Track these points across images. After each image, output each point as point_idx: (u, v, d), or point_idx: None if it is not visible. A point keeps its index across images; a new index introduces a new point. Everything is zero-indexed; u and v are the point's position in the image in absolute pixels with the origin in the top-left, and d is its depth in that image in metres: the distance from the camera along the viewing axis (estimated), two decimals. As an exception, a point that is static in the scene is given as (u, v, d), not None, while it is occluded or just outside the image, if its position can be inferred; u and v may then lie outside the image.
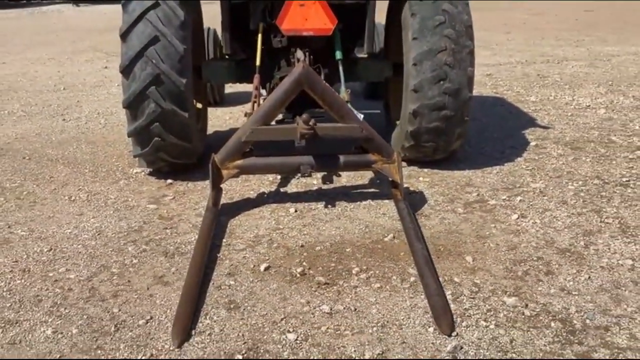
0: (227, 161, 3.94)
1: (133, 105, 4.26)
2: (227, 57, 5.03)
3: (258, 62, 4.54)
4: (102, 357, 2.60)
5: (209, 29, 6.58)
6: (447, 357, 2.56)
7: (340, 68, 4.61)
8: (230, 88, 7.71)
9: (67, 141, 5.84)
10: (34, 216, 4.10)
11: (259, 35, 4.62)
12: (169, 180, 4.66)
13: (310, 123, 3.81)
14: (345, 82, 4.62)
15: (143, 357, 2.60)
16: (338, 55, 4.64)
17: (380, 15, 4.79)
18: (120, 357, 2.60)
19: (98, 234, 3.79)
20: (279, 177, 4.70)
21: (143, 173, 4.84)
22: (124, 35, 4.24)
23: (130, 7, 4.26)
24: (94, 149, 5.56)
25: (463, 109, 4.47)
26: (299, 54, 4.43)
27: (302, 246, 3.59)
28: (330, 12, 4.43)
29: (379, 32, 6.06)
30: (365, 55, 5.01)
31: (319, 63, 4.55)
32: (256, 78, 4.47)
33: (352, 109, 4.08)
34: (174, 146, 4.42)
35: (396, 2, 4.90)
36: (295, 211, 4.08)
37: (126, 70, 4.23)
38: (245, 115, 4.49)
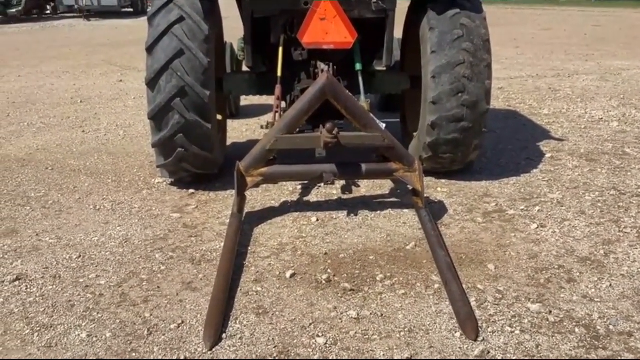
0: (252, 169, 4.02)
1: (158, 116, 4.35)
2: (250, 69, 5.12)
3: (279, 74, 4.64)
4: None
5: (225, 43, 6.69)
6: (475, 361, 2.62)
7: (360, 79, 4.70)
8: (245, 101, 7.81)
9: (88, 152, 5.94)
10: (61, 224, 4.18)
11: (280, 49, 4.72)
12: (191, 190, 4.74)
13: (334, 132, 3.89)
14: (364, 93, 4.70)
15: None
16: (358, 66, 4.73)
17: (396, 29, 4.88)
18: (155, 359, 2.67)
19: (125, 242, 3.87)
20: (299, 186, 4.78)
21: (165, 183, 4.92)
22: (150, 49, 4.34)
23: (156, 21, 4.37)
24: (115, 160, 5.65)
25: (480, 121, 4.54)
26: (322, 65, 4.52)
27: (325, 254, 3.66)
28: (350, 26, 4.51)
29: (395, 45, 6.15)
30: (384, 68, 5.10)
31: (339, 75, 4.63)
32: (278, 89, 4.57)
33: (374, 118, 4.16)
34: (196, 157, 4.51)
35: (414, 16, 4.99)
36: (317, 220, 4.15)
37: (152, 83, 4.32)
38: (262, 127, 4.58)
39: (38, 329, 2.91)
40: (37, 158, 5.78)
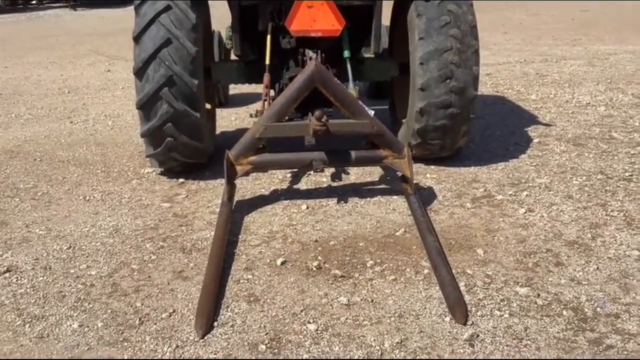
0: (241, 157, 4.03)
1: (146, 106, 4.34)
2: (238, 58, 5.11)
3: (267, 62, 4.63)
4: (129, 349, 2.68)
5: (213, 31, 6.66)
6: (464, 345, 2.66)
7: (348, 66, 4.70)
8: (234, 89, 7.79)
9: (77, 143, 5.91)
10: (51, 216, 4.17)
11: (268, 37, 4.71)
12: (181, 180, 4.74)
13: (323, 120, 3.90)
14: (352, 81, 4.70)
15: (169, 349, 2.67)
16: (346, 53, 4.72)
17: (384, 16, 4.87)
18: (147, 349, 2.68)
19: (115, 232, 3.87)
20: (289, 174, 4.79)
21: (154, 173, 4.92)
22: (137, 38, 4.31)
23: (143, 10, 4.34)
24: (104, 150, 5.63)
25: (469, 107, 4.56)
26: (311, 53, 4.52)
27: (316, 241, 3.68)
28: (338, 13, 4.50)
29: (383, 32, 6.14)
30: (372, 55, 5.10)
31: (328, 63, 4.63)
32: (266, 77, 4.56)
33: (363, 105, 4.16)
34: (186, 146, 4.50)
35: (401, 3, 4.99)
36: (307, 208, 4.17)
37: (139, 72, 4.30)
38: (251, 115, 4.58)
39: (29, 320, 2.92)
40: (25, 149, 5.76)
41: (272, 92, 4.74)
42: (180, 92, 4.29)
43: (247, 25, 4.83)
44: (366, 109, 4.16)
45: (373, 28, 4.81)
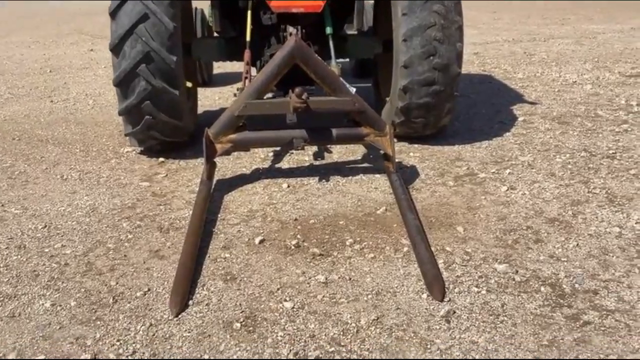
0: (221, 135, 3.96)
1: (123, 83, 4.25)
2: (218, 34, 5.02)
3: (248, 38, 4.54)
4: (102, 328, 2.63)
5: (196, 9, 6.56)
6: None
7: (331, 43, 4.63)
8: (218, 69, 7.70)
9: (56, 122, 5.82)
10: (27, 195, 4.10)
11: (249, 13, 4.62)
12: (161, 159, 4.67)
13: (303, 97, 3.83)
14: (335, 58, 4.63)
15: (142, 327, 2.63)
16: (328, 30, 4.65)
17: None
18: (120, 327, 2.63)
19: (92, 211, 3.81)
20: (270, 153, 4.73)
21: (134, 152, 4.85)
22: (114, 14, 4.22)
23: (120, -16, 4.24)
24: (84, 130, 5.55)
25: (452, 85, 4.51)
26: (292, 29, 4.44)
27: (295, 220, 3.63)
28: (320, -11, 4.43)
29: (367, 10, 6.07)
30: (355, 32, 5.02)
31: (309, 39, 4.55)
32: (247, 54, 4.48)
33: (344, 82, 4.10)
34: (165, 124, 4.42)
35: (385, -22, 4.90)
36: (288, 186, 4.12)
37: (116, 49, 4.21)
38: (235, 95, 4.50)
39: (1, 299, 2.87)
40: (4, 129, 5.66)
41: (253, 70, 4.66)
42: (158, 69, 4.20)
43: (227, 1, 4.73)
44: (348, 86, 4.10)
45: (356, 4, 4.74)
